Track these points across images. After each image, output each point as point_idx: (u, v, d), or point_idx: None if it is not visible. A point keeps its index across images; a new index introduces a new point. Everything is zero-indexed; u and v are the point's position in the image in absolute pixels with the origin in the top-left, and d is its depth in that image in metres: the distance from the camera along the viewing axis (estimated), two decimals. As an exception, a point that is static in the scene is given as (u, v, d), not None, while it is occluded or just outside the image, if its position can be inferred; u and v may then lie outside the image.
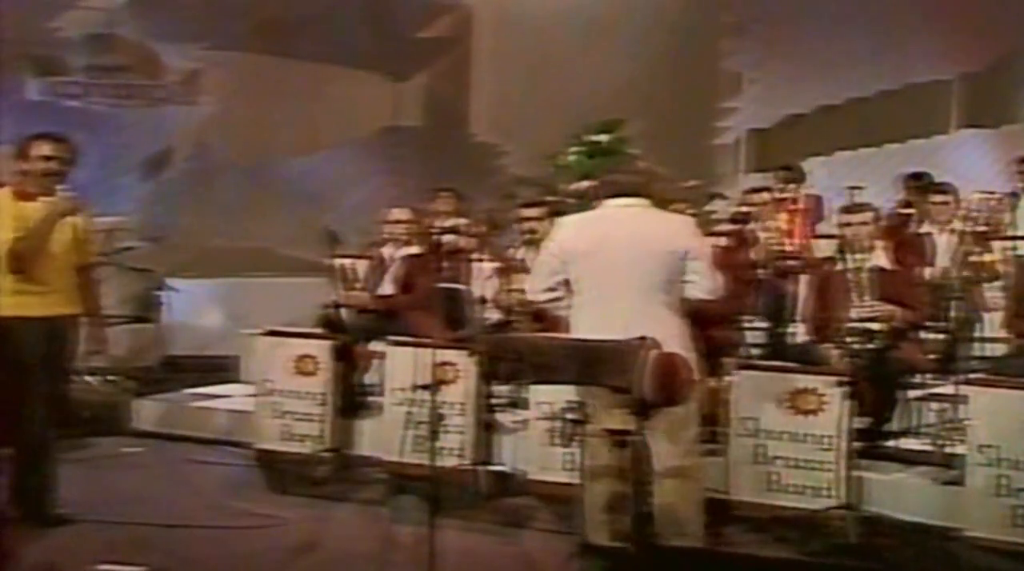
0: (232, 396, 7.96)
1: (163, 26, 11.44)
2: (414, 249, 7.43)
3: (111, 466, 6.85)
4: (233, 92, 11.53)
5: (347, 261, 7.50)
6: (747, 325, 6.98)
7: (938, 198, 7.42)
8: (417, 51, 12.42)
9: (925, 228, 7.47)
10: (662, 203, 5.21)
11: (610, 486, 4.74)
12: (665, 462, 4.66)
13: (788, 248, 7.52)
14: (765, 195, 7.80)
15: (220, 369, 8.55)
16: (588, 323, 4.76)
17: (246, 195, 11.23)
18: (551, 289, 4.99)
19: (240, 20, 11.58)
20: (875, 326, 5.89)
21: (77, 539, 5.34)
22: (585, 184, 7.77)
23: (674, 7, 11.77)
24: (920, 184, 8.22)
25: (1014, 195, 8.15)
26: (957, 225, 7.02)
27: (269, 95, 11.44)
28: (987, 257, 6.71)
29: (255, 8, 11.60)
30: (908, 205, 8.15)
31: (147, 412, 7.85)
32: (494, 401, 6.43)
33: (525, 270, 6.41)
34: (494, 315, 7.04)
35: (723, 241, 7.41)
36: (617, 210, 4.94)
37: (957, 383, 5.65)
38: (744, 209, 8.07)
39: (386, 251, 7.47)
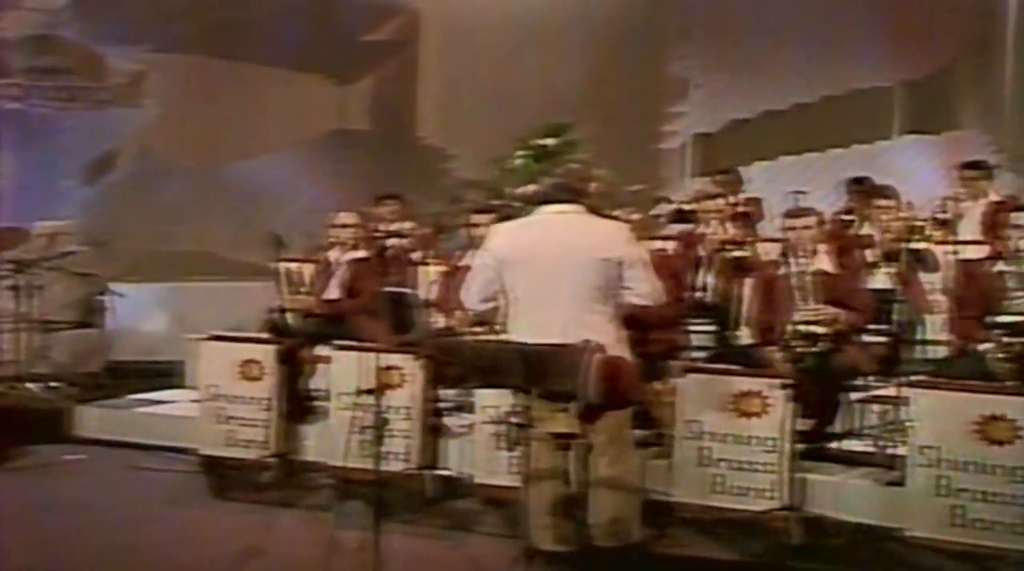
0: (176, 402, 7.88)
1: (106, 28, 11.32)
2: (360, 253, 7.41)
3: (53, 474, 6.75)
4: (178, 95, 11.43)
5: (293, 265, 7.46)
6: (693, 328, 7.02)
7: (880, 202, 7.49)
8: (364, 54, 12.40)
9: (866, 230, 7.55)
10: (604, 206, 5.19)
11: (553, 489, 4.74)
12: (603, 470, 4.67)
13: (736, 253, 7.56)
14: (720, 202, 7.84)
15: (164, 374, 8.46)
16: (523, 331, 4.68)
17: (190, 199, 11.14)
18: (488, 299, 4.92)
19: (185, 22, 11.48)
20: (819, 329, 5.93)
21: (14, 549, 5.25)
22: (532, 188, 7.74)
23: (621, 12, 11.82)
24: (862, 188, 8.29)
25: (955, 200, 8.25)
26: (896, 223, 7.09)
27: (214, 98, 11.36)
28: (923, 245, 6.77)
29: (200, 10, 11.51)
30: (850, 210, 8.23)
31: (90, 419, 7.74)
32: (440, 405, 6.42)
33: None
34: (440, 319, 7.03)
35: (671, 245, 7.45)
36: (550, 217, 4.86)
37: (899, 385, 5.71)
38: (688, 207, 8.10)
39: (332, 255, 7.44)
